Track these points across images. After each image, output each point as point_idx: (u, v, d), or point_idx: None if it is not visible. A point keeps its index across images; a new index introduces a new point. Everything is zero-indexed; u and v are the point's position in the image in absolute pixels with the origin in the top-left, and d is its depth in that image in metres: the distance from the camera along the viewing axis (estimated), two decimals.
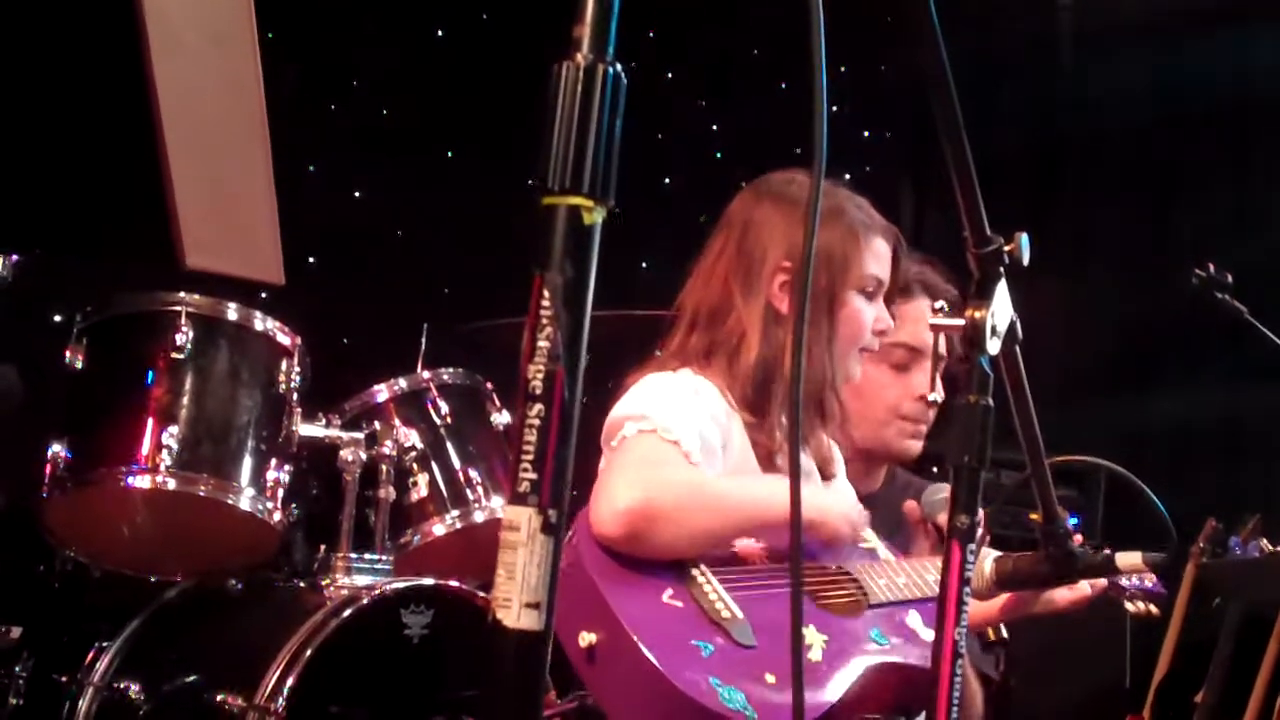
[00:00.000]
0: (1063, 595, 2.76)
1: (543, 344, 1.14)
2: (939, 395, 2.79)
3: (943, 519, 2.98)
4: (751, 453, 2.66)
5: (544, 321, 1.14)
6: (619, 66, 1.19)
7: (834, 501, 2.68)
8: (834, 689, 2.40)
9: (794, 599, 1.56)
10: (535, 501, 1.13)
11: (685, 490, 2.47)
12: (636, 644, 2.30)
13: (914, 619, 2.64)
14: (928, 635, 2.60)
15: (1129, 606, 2.84)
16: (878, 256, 2.77)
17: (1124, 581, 2.82)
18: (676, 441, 2.49)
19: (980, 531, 1.83)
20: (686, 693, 2.26)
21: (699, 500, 2.48)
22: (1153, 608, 2.85)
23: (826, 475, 2.81)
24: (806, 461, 2.78)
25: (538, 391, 1.14)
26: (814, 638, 2.45)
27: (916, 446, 3.24)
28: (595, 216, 1.16)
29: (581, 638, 2.36)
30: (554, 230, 1.15)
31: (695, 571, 2.46)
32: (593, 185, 1.16)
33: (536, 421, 1.13)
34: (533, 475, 1.13)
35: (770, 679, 2.34)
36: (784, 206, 2.73)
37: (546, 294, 1.14)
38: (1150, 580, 2.80)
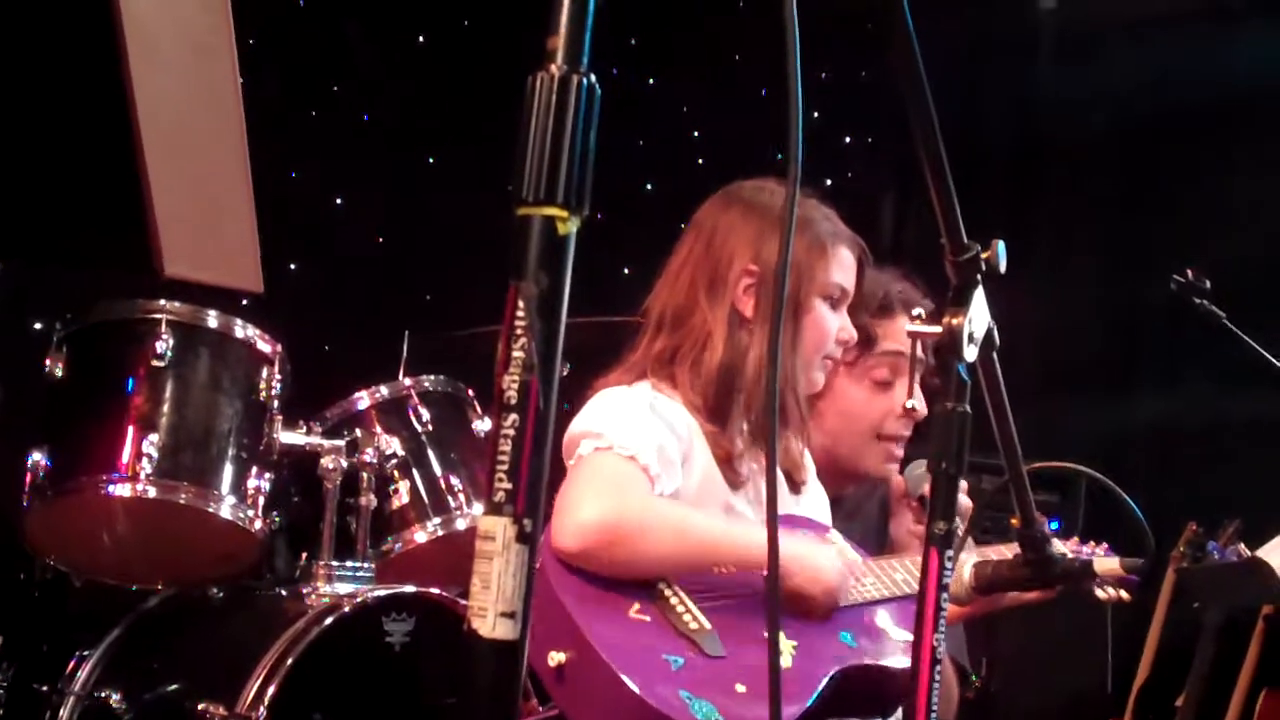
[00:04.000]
0: None
1: (518, 354, 1.14)
2: (916, 403, 2.80)
3: (927, 491, 2.99)
4: (714, 461, 2.66)
5: (518, 331, 1.14)
6: (593, 77, 1.19)
7: (810, 555, 2.60)
8: (806, 695, 2.41)
9: (770, 611, 1.56)
10: (510, 511, 1.13)
11: (650, 513, 2.47)
12: (606, 662, 2.30)
13: (883, 618, 2.65)
14: (897, 634, 2.61)
15: (1099, 593, 2.84)
16: (843, 266, 2.79)
17: None
18: (633, 457, 2.49)
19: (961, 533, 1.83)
20: (658, 708, 2.27)
21: (663, 526, 2.47)
22: (1123, 593, 2.86)
23: (796, 480, 2.80)
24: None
25: (513, 401, 1.14)
26: (783, 644, 2.45)
27: (893, 470, 3.23)
28: (570, 227, 1.16)
29: (550, 657, 2.36)
30: (529, 240, 1.15)
31: (662, 584, 2.46)
32: (567, 196, 1.16)
33: (511, 431, 1.13)
34: (508, 485, 1.13)
35: (741, 689, 2.34)
36: (753, 213, 2.75)
37: (521, 304, 1.14)
38: None
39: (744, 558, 2.50)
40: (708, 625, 2.42)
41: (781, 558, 2.43)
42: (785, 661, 2.44)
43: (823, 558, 2.60)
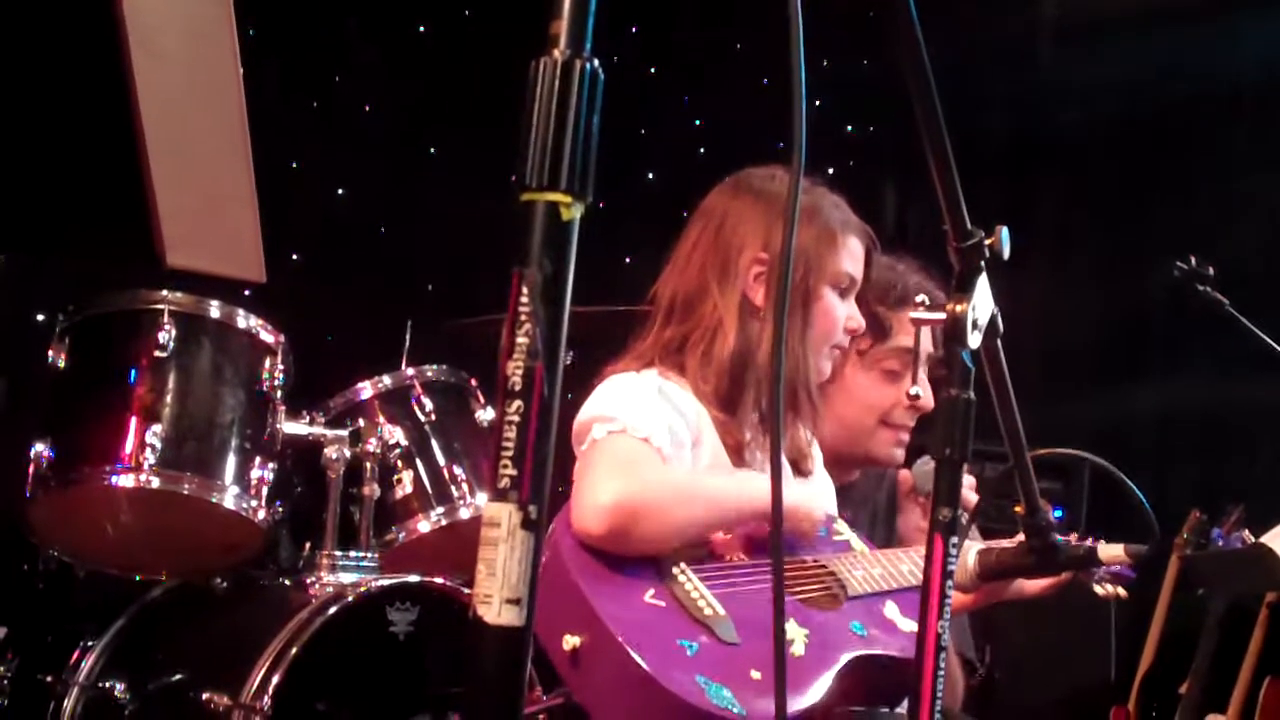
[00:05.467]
0: (1035, 581, 2.77)
1: (521, 340, 1.13)
2: (919, 390, 2.80)
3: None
4: (723, 447, 2.66)
5: (523, 318, 1.13)
6: (596, 62, 1.19)
7: (809, 495, 2.69)
8: (818, 683, 2.41)
9: (776, 597, 1.56)
10: (515, 497, 1.13)
11: (666, 486, 2.48)
12: (622, 645, 2.30)
13: (891, 609, 2.65)
14: (906, 625, 2.61)
15: (1097, 589, 2.85)
16: (852, 255, 2.78)
17: None
18: (647, 438, 2.50)
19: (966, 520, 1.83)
20: (675, 692, 2.26)
21: (680, 495, 2.48)
22: (1120, 590, 2.86)
23: (801, 470, 2.80)
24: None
25: (517, 388, 1.14)
26: (795, 632, 2.46)
27: (900, 455, 3.23)
28: (573, 212, 1.16)
29: (565, 641, 2.35)
30: (532, 226, 1.15)
31: (676, 570, 2.46)
32: (571, 181, 1.16)
33: (516, 418, 1.13)
34: (513, 471, 1.13)
35: (756, 675, 2.34)
36: (763, 200, 2.74)
37: (525, 290, 1.14)
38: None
39: (758, 509, 2.53)
40: (721, 611, 2.42)
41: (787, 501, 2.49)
42: (798, 650, 2.44)
43: (808, 490, 2.74)
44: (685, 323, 2.72)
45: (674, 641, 2.35)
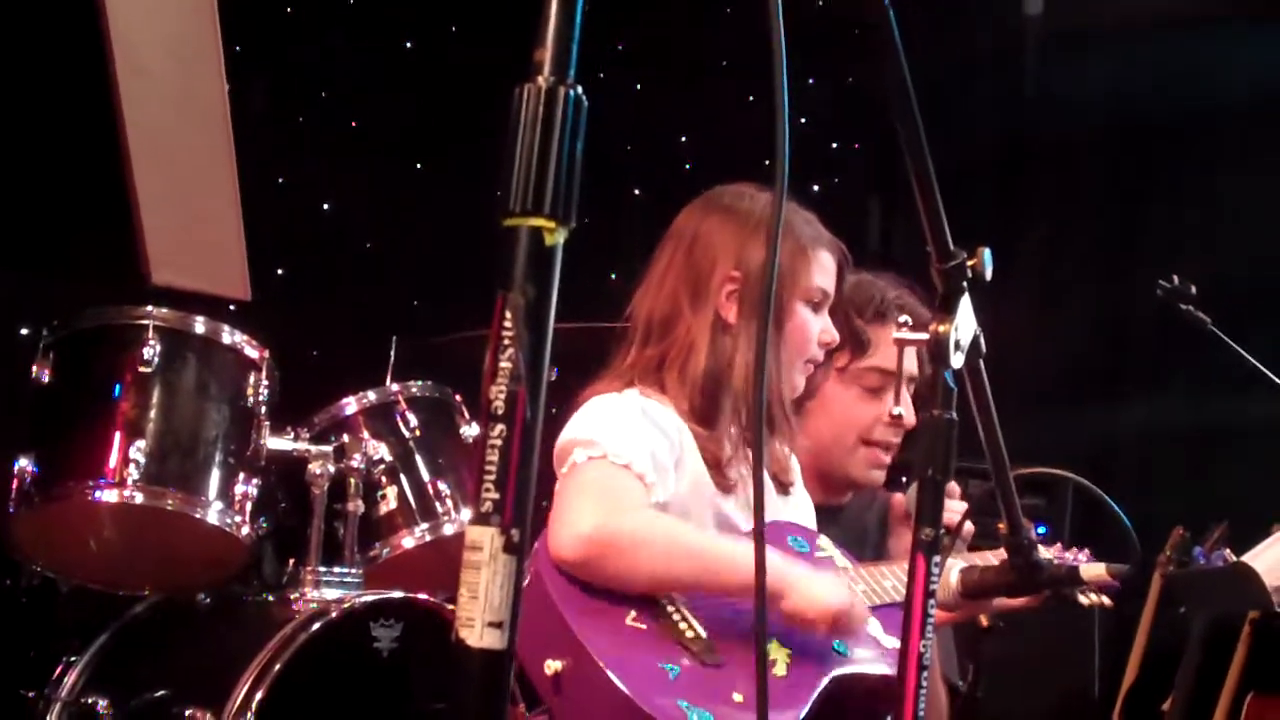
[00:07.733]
0: None
1: (505, 364, 1.14)
2: (902, 411, 2.79)
3: None
4: (704, 465, 2.65)
5: (506, 342, 1.14)
6: (580, 89, 1.19)
7: (812, 582, 2.53)
8: (800, 703, 2.41)
9: (758, 617, 1.56)
10: (498, 521, 1.14)
11: (647, 528, 2.46)
12: (603, 670, 2.30)
13: (874, 626, 2.65)
14: (888, 642, 2.61)
15: (1081, 598, 2.85)
16: (824, 269, 2.79)
17: None
18: (628, 465, 2.48)
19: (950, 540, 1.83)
20: (657, 718, 2.26)
21: (660, 542, 2.46)
22: (1105, 599, 2.87)
23: (783, 484, 2.80)
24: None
25: (500, 412, 1.14)
26: (777, 652, 2.45)
27: (879, 477, 3.21)
28: (556, 237, 1.17)
29: (547, 666, 2.35)
30: (515, 251, 1.16)
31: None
32: (554, 207, 1.16)
33: (498, 442, 1.14)
34: (495, 495, 1.14)
35: (738, 697, 2.34)
36: (734, 218, 2.75)
37: (508, 314, 1.14)
38: None
39: (742, 581, 2.42)
40: (704, 634, 2.42)
41: (776, 578, 2.44)
42: (780, 670, 2.44)
43: (820, 584, 2.54)
44: (662, 343, 2.73)
45: (655, 665, 2.34)
